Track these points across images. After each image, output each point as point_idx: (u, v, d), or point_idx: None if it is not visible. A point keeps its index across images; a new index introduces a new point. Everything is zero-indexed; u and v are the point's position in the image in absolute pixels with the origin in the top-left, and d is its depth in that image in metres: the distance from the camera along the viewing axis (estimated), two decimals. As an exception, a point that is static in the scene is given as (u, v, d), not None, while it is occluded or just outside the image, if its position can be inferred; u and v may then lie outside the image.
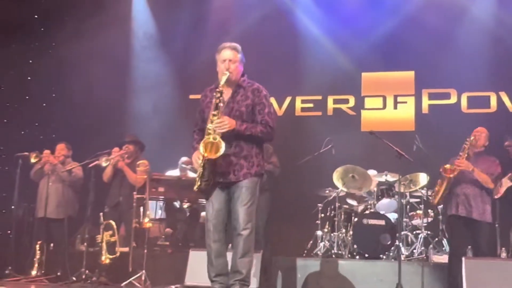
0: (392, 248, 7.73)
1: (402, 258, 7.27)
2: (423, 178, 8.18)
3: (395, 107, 10.19)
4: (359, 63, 10.17)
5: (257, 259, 6.11)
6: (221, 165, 4.95)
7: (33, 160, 7.88)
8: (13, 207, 8.03)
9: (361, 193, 8.46)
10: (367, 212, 8.16)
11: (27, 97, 10.00)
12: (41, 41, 10.24)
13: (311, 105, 10.56)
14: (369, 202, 8.36)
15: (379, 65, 10.16)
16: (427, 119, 9.89)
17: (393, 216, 8.12)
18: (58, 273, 7.42)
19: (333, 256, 7.88)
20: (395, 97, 10.19)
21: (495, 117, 9.47)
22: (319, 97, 10.48)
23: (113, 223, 7.24)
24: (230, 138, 4.93)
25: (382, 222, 7.85)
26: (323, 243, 8.14)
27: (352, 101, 10.36)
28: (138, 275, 6.88)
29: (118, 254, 7.17)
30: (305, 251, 8.27)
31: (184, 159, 9.12)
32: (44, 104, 10.24)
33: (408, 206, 8.29)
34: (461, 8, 9.85)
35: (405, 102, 10.14)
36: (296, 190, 9.40)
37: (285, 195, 8.99)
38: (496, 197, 7.56)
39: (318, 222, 8.36)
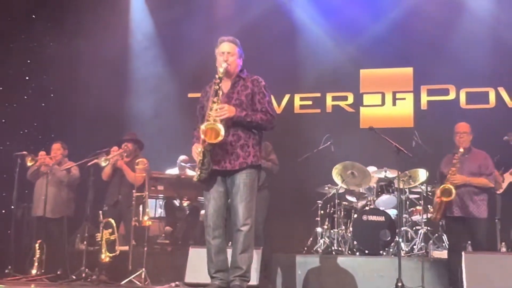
0: (392, 244, 7.75)
1: (402, 254, 7.28)
2: (422, 174, 8.17)
3: (394, 104, 10.19)
4: (358, 60, 10.19)
5: (257, 255, 6.10)
6: (218, 153, 4.98)
7: (29, 164, 7.87)
8: (12, 207, 8.00)
9: (361, 190, 8.46)
10: (366, 208, 8.17)
11: (25, 97, 9.99)
12: (39, 41, 10.23)
13: (310, 102, 10.56)
14: (369, 198, 8.37)
15: (378, 61, 10.17)
16: (426, 115, 9.90)
17: (392, 212, 8.12)
18: (58, 272, 7.40)
19: (333, 252, 7.89)
20: (394, 93, 10.19)
21: (493, 113, 9.51)
22: (318, 95, 10.49)
23: (112, 221, 7.23)
24: (229, 126, 4.96)
25: (382, 218, 7.86)
26: (323, 239, 8.14)
27: (351, 98, 10.36)
28: (138, 273, 6.88)
29: (118, 252, 7.16)
30: (305, 248, 8.28)
31: (182, 157, 9.13)
32: (43, 104, 10.23)
33: (407, 202, 8.28)
34: (460, 4, 9.87)
35: (404, 99, 10.15)
36: (296, 187, 9.40)
37: (285, 192, 9.00)
38: (498, 192, 7.58)
39: (318, 219, 8.37)
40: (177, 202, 9.20)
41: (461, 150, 6.54)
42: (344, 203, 8.41)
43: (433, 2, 9.87)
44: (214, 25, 10.29)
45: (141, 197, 7.22)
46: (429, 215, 8.11)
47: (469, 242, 7.05)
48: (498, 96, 9.67)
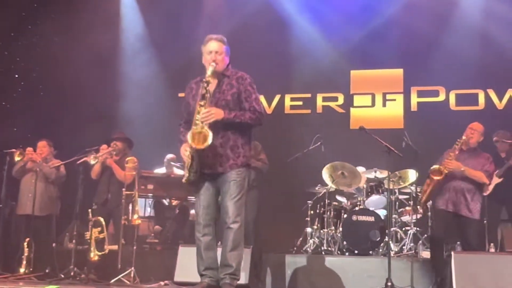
0: (382, 244, 7.76)
1: (392, 254, 7.29)
2: (412, 175, 8.18)
3: (384, 105, 10.22)
4: (348, 61, 10.20)
5: (247, 255, 6.10)
6: (208, 156, 4.97)
7: (17, 158, 7.82)
8: (0, 205, 7.94)
9: (351, 190, 8.47)
10: (356, 208, 8.15)
11: (14, 95, 9.93)
12: (29, 39, 10.17)
13: (300, 103, 10.57)
14: (359, 198, 8.37)
15: (368, 63, 10.19)
16: (415, 116, 9.93)
17: (382, 213, 8.14)
18: (47, 270, 7.35)
19: (323, 252, 7.89)
20: (384, 94, 10.23)
21: (483, 114, 9.52)
22: (308, 95, 10.50)
23: (101, 219, 7.19)
24: (218, 128, 4.95)
25: (372, 219, 7.85)
26: (312, 239, 8.14)
27: (341, 99, 10.38)
28: (127, 272, 6.84)
29: (107, 251, 7.12)
30: (295, 248, 8.27)
31: (170, 156, 9.12)
32: (32, 102, 10.17)
33: (397, 203, 8.31)
34: (450, 6, 9.91)
35: (394, 100, 10.18)
36: (286, 187, 9.41)
37: (275, 192, 9.01)
38: (485, 194, 7.61)
39: (308, 219, 8.36)
40: (166, 202, 9.17)
41: (464, 137, 6.53)
42: (334, 203, 8.41)
43: (424, 4, 9.90)
44: (204, 24, 10.27)
45: (130, 196, 7.20)
46: (418, 216, 8.15)
47: (458, 242, 7.09)
48: (488, 98, 9.72)
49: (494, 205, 7.76)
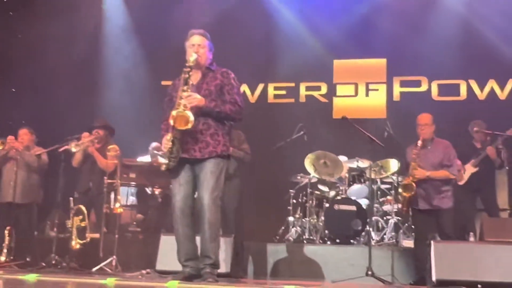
0: (363, 233, 7.81)
1: (373, 243, 7.36)
2: (393, 164, 8.22)
3: (367, 95, 10.24)
4: (331, 50, 10.18)
5: (229, 244, 6.12)
6: (188, 142, 5.06)
7: None
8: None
9: (333, 179, 8.49)
10: (338, 198, 8.20)
11: (-6, 83, 9.84)
12: (9, 26, 10.06)
13: (283, 92, 10.56)
14: (341, 188, 8.41)
15: (351, 52, 10.19)
16: (398, 106, 9.95)
17: (364, 202, 8.17)
18: (28, 259, 7.33)
19: (305, 241, 7.93)
20: (367, 84, 10.24)
21: (464, 105, 9.62)
22: (292, 84, 10.48)
23: (83, 208, 7.15)
24: (199, 116, 5.03)
25: (353, 208, 7.90)
26: (294, 228, 8.18)
27: (324, 88, 10.38)
28: (108, 260, 6.83)
29: (88, 239, 7.07)
30: (277, 237, 8.30)
31: (154, 144, 9.02)
32: (13, 90, 10.08)
33: (379, 192, 8.37)
34: (432, -3, 9.94)
35: (377, 90, 10.19)
36: (268, 176, 9.40)
37: (257, 181, 9.03)
38: (460, 183, 7.69)
39: (290, 208, 8.40)
40: (149, 190, 9.13)
41: (419, 142, 6.67)
42: (316, 192, 8.44)
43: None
44: (188, 13, 10.22)
45: (112, 184, 7.17)
46: (399, 205, 8.20)
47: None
48: (469, 89, 9.77)
49: (468, 194, 7.85)
